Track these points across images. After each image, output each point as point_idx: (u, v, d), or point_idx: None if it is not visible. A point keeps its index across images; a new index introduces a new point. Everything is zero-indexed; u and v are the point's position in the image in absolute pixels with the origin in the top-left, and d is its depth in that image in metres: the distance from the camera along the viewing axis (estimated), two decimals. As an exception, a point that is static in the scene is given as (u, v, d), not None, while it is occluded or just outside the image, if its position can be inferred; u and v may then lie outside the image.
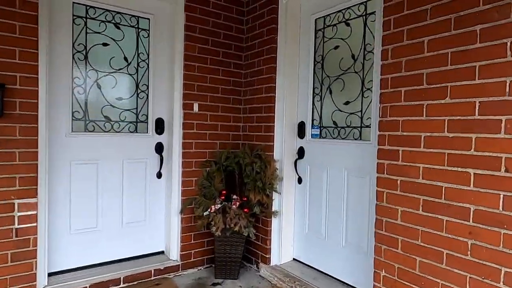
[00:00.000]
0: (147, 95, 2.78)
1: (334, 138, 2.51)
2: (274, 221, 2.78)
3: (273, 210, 2.75)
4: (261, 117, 2.87)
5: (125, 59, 2.69)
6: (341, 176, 2.43)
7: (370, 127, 2.24)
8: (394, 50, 1.83)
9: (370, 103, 2.25)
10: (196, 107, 2.83)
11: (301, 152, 2.74)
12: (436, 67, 1.65)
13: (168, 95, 2.83)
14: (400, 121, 1.80)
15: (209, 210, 2.61)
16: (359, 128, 2.33)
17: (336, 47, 2.49)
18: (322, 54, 2.60)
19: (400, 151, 1.80)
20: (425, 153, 1.69)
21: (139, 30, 2.74)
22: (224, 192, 2.79)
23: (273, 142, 2.78)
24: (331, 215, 2.50)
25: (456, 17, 1.58)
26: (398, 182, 1.81)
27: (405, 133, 1.78)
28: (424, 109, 1.70)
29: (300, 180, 2.75)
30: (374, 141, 2.18)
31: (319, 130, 2.63)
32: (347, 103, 2.41)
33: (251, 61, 2.97)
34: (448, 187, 1.61)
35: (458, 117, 1.57)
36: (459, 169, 1.56)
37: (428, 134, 1.68)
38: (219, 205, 2.61)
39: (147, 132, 2.80)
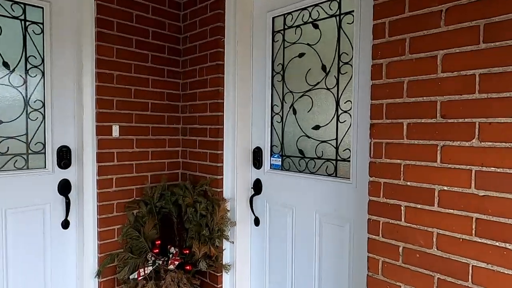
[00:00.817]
0: (43, 115, 1.97)
1: (300, 172, 1.96)
2: (226, 278, 2.16)
3: (223, 263, 2.13)
4: (206, 141, 2.22)
5: (5, 64, 1.86)
6: (311, 221, 1.89)
7: (349, 161, 1.73)
8: (391, 66, 1.31)
9: (348, 130, 1.73)
10: (116, 131, 2.09)
11: (257, 186, 2.15)
12: (460, 93, 1.16)
13: (76, 114, 2.05)
14: (402, 166, 1.29)
15: (136, 274, 1.91)
16: (333, 162, 1.81)
17: (301, 55, 1.94)
18: (282, 63, 2.03)
19: (402, 208, 1.30)
20: (442, 215, 1.20)
21: (27, 23, 1.92)
22: (159, 242, 2.11)
23: (222, 174, 2.16)
24: (299, 270, 1.96)
25: (489, 23, 1.09)
26: (400, 249, 1.30)
27: (409, 183, 1.28)
28: (439, 152, 1.20)
29: (257, 221, 2.16)
30: (355, 181, 1.67)
31: (280, 159, 2.06)
32: (317, 127, 1.88)
33: (191, 68, 2.30)
34: (477, 267, 1.13)
35: (493, 169, 1.09)
36: (496, 243, 1.09)
37: (446, 188, 1.19)
38: (150, 267, 1.92)
39: (45, 167, 1.99)
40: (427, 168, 1.23)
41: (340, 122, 1.77)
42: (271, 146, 2.11)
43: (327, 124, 1.82)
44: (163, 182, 2.25)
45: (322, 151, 1.86)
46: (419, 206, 1.25)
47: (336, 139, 1.79)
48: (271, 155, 2.11)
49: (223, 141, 2.15)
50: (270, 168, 2.12)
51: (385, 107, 1.33)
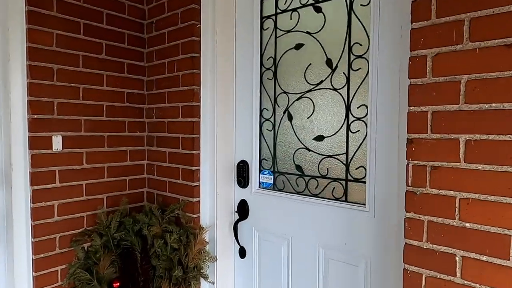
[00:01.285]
0: (-47, 123, 1.45)
1: (298, 193, 1.56)
2: (205, 326, 1.72)
3: (202, 308, 1.70)
4: (178, 154, 1.77)
5: None
6: (312, 256, 1.50)
7: (364, 182, 1.35)
8: (440, 60, 0.93)
9: (363, 143, 1.35)
10: (58, 143, 1.60)
11: (243, 209, 1.73)
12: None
13: (2, 122, 1.54)
14: (458, 200, 0.92)
15: (85, 335, 1.44)
16: (342, 182, 1.42)
17: (299, 46, 1.53)
18: (274, 57, 1.62)
19: (458, 258, 0.92)
20: (522, 274, 0.83)
21: None
22: (117, 285, 1.65)
23: (199, 196, 1.72)
24: (297, 316, 1.56)
25: None
26: (455, 317, 0.93)
27: (469, 225, 0.90)
28: (520, 184, 0.83)
29: (243, 253, 1.74)
30: (373, 208, 1.29)
31: (272, 177, 1.65)
32: (320, 138, 1.48)
33: (159, 62, 1.84)
34: None
35: None
36: None
37: (530, 235, 0.82)
38: (104, 324, 1.45)
39: (-43, 193, 1.48)
40: (498, 205, 0.86)
41: (352, 132, 1.38)
42: (260, 160, 1.69)
43: (334, 134, 1.43)
44: (123, 205, 1.78)
45: (327, 169, 1.46)
46: (484, 258, 0.88)
47: (346, 153, 1.40)
48: (260, 171, 1.70)
49: (199, 154, 1.71)
50: (259, 187, 1.70)
51: (431, 116, 0.95)
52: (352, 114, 1.38)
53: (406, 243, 1.02)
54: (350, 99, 1.38)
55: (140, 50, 1.89)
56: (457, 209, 0.92)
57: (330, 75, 1.43)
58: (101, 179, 1.76)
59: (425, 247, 0.98)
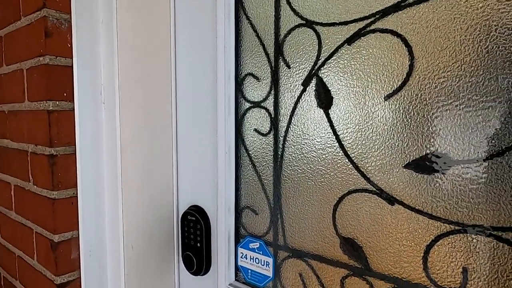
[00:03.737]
0: None
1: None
2: None
3: None
4: (29, 195, 0.69)
5: None
6: None
7: None
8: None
9: None
10: None
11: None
12: None
13: None
14: None
15: None
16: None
17: None
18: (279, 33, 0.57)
19: None
20: None
21: None
22: None
23: (79, 307, 0.65)
24: None
25: None
26: None
27: None
28: None
29: None
30: None
31: (272, 259, 0.61)
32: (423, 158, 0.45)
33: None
34: None
35: None
36: None
37: None
38: None
39: None
40: None
41: None
42: (239, 210, 0.65)
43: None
44: None
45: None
46: None
47: None
48: (238, 239, 0.65)
49: (76, 196, 0.64)
50: (236, 278, 0.66)
51: None
52: None
53: None
54: None
55: None
56: None
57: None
58: None
59: None
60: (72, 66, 0.62)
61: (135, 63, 0.65)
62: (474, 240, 0.42)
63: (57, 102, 0.61)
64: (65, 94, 0.62)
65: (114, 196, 0.65)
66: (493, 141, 0.41)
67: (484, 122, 0.41)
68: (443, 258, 0.45)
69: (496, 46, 0.40)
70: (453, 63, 0.43)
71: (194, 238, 0.70)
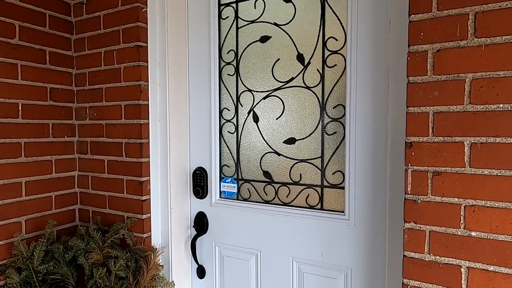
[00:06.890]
0: None
1: (267, 202, 1.40)
2: None
3: None
4: (120, 163, 1.48)
5: None
6: (285, 271, 1.36)
7: (342, 187, 1.25)
8: (443, 56, 0.86)
9: (340, 145, 1.25)
10: (-48, 154, 1.20)
11: (201, 223, 1.52)
12: None
13: None
14: (463, 207, 0.86)
15: None
16: (318, 188, 1.31)
17: (265, 39, 1.38)
18: (236, 50, 1.43)
19: (463, 270, 0.86)
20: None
21: None
22: (45, 331, 1.30)
23: (149, 212, 1.46)
24: (269, 339, 1.41)
25: None
26: (461, 332, 0.87)
27: (475, 234, 0.85)
28: (529, 189, 0.79)
29: (201, 272, 1.53)
30: (353, 216, 1.20)
31: (235, 185, 1.47)
32: (291, 141, 1.35)
33: (92, 51, 1.52)
34: None
35: None
36: None
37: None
38: None
39: None
40: (507, 211, 0.81)
41: (328, 134, 1.27)
42: (221, 167, 1.50)
43: (307, 136, 1.31)
44: (50, 229, 1.43)
45: (300, 174, 1.34)
46: (491, 268, 0.83)
47: (322, 157, 1.29)
48: (221, 179, 1.50)
49: (149, 162, 1.45)
50: (220, 197, 1.51)
51: (433, 117, 0.87)
52: (327, 115, 1.27)
53: (405, 255, 0.93)
54: (325, 99, 1.27)
55: (66, 36, 1.54)
56: (462, 217, 0.86)
57: (303, 72, 1.30)
58: (17, 198, 1.38)
59: (427, 259, 0.90)
60: (148, 105, 1.42)
61: (173, 106, 1.47)
62: (303, 165, 1.33)
63: (141, 120, 1.41)
64: (145, 116, 1.41)
65: (166, 161, 1.46)
66: (306, 133, 1.31)
67: (303, 127, 1.32)
68: (295, 173, 1.35)
69: (305, 104, 1.31)
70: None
71: (199, 181, 1.53)
